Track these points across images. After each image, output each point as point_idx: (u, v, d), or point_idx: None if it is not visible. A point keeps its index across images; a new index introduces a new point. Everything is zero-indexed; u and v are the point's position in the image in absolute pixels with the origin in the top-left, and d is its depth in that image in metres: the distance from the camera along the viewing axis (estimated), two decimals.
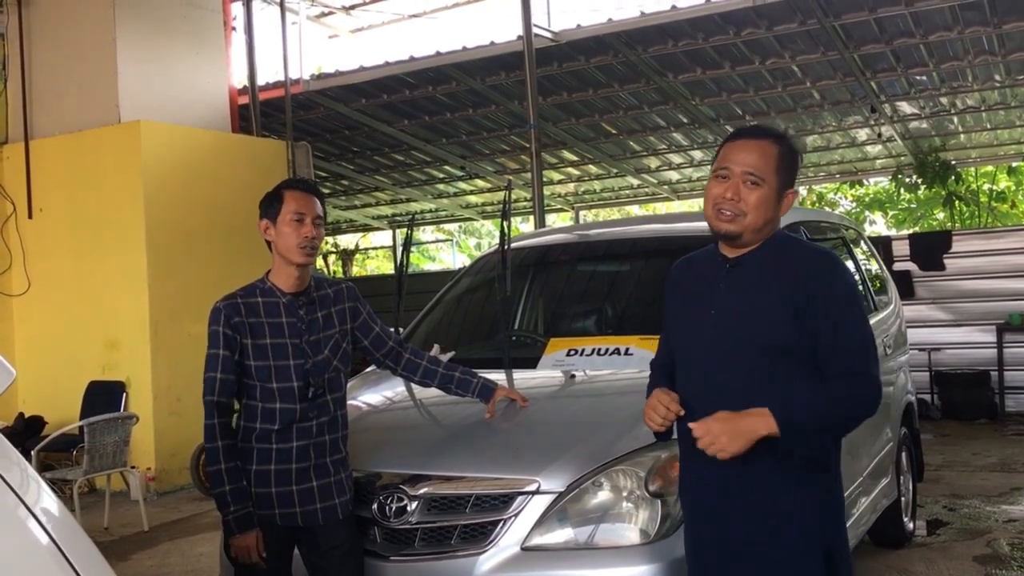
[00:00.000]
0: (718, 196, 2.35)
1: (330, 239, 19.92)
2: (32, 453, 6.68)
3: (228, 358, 2.87)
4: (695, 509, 2.49)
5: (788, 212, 2.50)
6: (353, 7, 12.61)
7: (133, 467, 7.06)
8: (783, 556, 2.32)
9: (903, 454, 5.21)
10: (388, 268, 21.24)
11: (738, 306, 2.37)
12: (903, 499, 5.16)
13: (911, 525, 5.37)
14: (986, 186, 15.33)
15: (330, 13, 12.71)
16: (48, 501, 1.43)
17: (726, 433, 2.23)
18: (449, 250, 22.26)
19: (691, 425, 2.30)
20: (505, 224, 4.12)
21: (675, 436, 2.49)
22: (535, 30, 8.37)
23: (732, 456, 2.24)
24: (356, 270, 20.40)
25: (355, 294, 3.15)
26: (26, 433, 7.73)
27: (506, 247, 4.08)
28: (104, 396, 7.70)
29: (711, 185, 2.40)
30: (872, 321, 4.82)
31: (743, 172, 2.33)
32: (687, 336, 2.49)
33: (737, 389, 2.31)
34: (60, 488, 7.41)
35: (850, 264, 5.05)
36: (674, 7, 8.70)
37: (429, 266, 22.12)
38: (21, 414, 8.15)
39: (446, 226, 21.17)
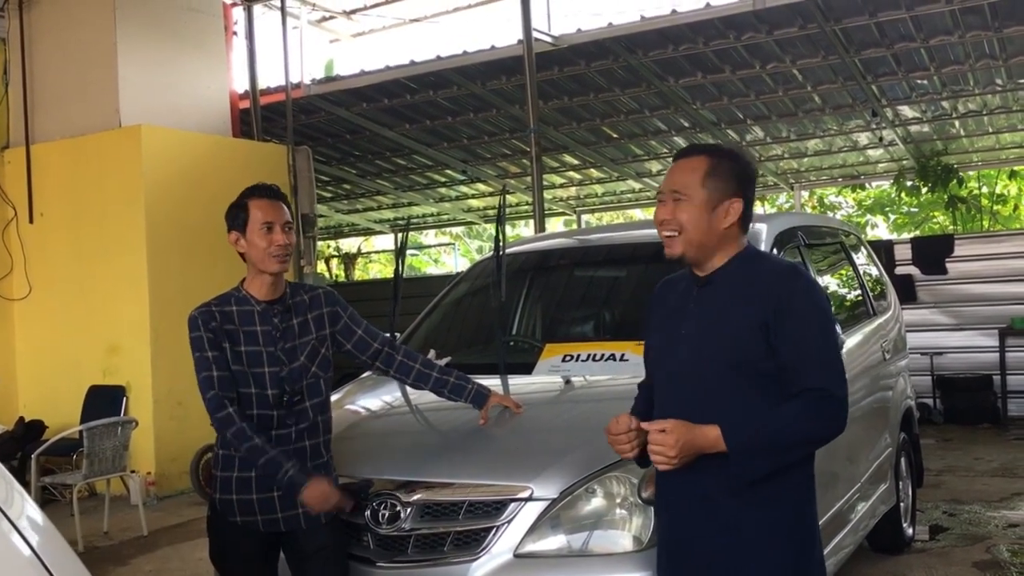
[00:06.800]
0: (657, 220, 2.41)
1: (332, 243, 19.95)
2: (32, 457, 6.68)
3: (219, 356, 2.86)
4: (663, 534, 2.48)
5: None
6: (354, 11, 12.60)
7: (133, 471, 7.07)
8: None
9: (902, 459, 5.20)
10: (390, 272, 21.25)
11: (705, 325, 2.36)
12: (902, 504, 5.14)
13: (910, 531, 5.36)
14: (986, 189, 15.31)
15: (331, 17, 12.71)
16: (31, 513, 1.43)
17: (678, 444, 2.20)
18: (452, 254, 22.27)
19: (646, 426, 2.26)
20: (500, 229, 4.09)
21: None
22: (535, 34, 8.38)
23: (671, 468, 2.21)
24: (358, 274, 20.41)
25: (333, 298, 3.12)
26: (26, 437, 7.74)
27: (500, 253, 4.06)
28: (104, 400, 7.71)
29: (655, 210, 2.44)
30: (871, 326, 4.86)
31: (669, 191, 2.38)
32: (661, 356, 2.49)
33: (708, 409, 2.27)
34: (60, 492, 7.44)
35: (848, 270, 5.05)
36: (674, 11, 8.70)
37: (431, 270, 22.12)
38: (21, 418, 8.16)
39: (452, 229, 21.18)
